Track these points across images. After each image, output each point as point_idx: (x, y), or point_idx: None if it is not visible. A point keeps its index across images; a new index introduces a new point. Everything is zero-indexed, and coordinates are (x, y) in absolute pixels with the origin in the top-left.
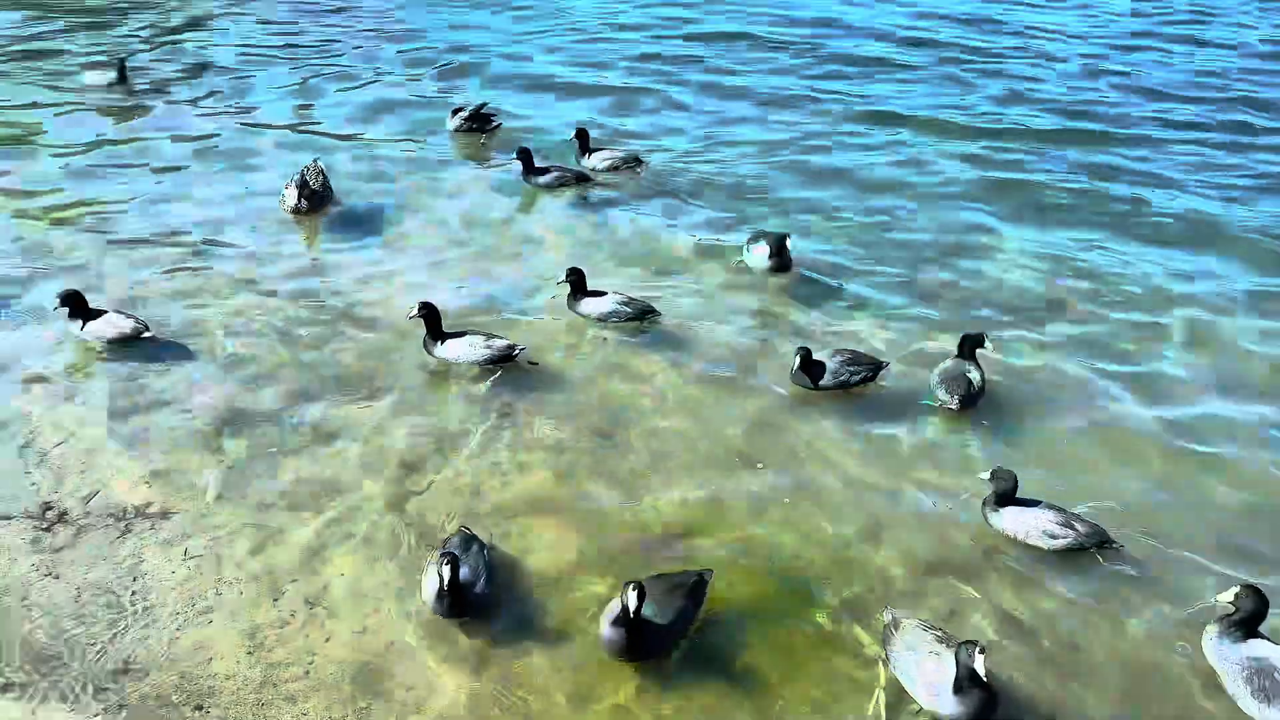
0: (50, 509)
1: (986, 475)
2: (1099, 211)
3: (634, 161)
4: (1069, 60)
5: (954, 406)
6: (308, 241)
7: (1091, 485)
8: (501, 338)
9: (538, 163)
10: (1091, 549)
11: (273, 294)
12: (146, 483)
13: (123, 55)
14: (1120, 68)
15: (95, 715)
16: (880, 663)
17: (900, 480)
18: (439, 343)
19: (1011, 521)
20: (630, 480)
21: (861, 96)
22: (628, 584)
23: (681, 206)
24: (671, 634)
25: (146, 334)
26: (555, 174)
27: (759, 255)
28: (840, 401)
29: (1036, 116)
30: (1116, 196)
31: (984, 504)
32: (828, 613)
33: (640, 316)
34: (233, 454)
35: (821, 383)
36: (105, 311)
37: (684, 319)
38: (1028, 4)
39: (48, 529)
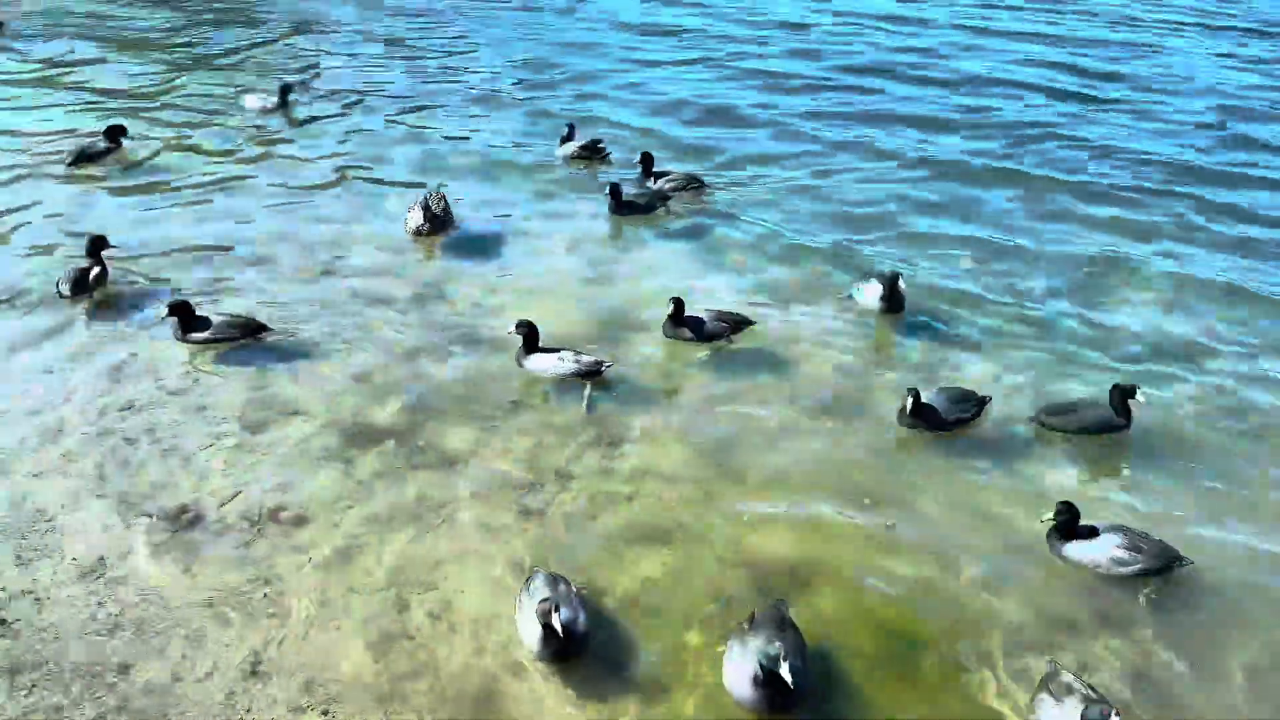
0: (187, 511)
1: (1051, 515)
2: (1228, 264)
3: (696, 183)
4: (1203, 110)
5: (1038, 421)
6: (427, 263)
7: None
8: (590, 354)
9: (625, 193)
10: (1163, 570)
11: (395, 312)
12: (278, 490)
13: (288, 81)
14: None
15: (218, 716)
16: (1019, 714)
17: (1018, 522)
18: (530, 356)
19: (1078, 553)
20: (738, 510)
21: (973, 147)
22: (766, 638)
23: (787, 237)
24: (806, 676)
25: (268, 332)
26: (643, 203)
27: (870, 296)
28: (948, 439)
29: (1167, 172)
30: (1252, 250)
31: (1048, 538)
32: (950, 661)
33: (737, 329)
34: (359, 465)
35: (932, 423)
36: (210, 319)
37: (790, 351)
38: (1153, 51)
39: (182, 530)
